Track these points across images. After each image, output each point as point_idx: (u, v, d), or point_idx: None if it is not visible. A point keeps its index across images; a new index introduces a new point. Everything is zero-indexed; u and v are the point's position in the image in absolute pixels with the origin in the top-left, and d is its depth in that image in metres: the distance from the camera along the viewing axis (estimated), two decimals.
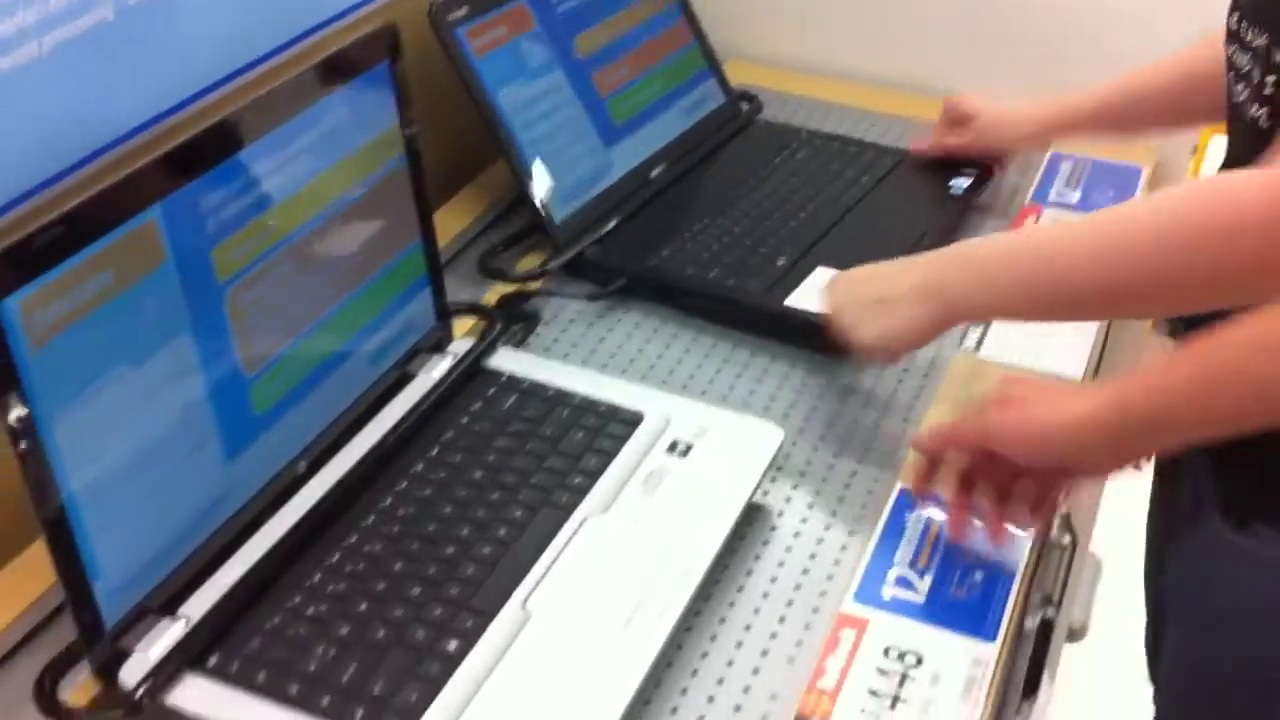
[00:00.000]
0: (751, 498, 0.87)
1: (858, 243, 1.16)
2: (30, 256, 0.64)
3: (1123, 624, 1.46)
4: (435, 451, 0.89)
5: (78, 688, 0.72)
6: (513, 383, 0.95)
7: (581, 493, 0.86)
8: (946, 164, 1.27)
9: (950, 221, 1.21)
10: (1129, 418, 0.77)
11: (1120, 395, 0.78)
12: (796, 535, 0.88)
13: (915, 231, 1.17)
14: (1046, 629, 0.92)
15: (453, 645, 0.74)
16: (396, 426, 0.89)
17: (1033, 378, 0.97)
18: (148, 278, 0.71)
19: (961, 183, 1.25)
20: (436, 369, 0.95)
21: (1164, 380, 0.77)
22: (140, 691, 0.70)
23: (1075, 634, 1.42)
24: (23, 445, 0.65)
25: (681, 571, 0.80)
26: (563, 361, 1.03)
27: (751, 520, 0.89)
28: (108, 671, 0.71)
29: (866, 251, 1.12)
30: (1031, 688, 0.98)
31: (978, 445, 0.84)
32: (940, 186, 1.25)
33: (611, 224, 1.16)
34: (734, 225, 1.18)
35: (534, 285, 1.10)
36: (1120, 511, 1.34)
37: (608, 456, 0.89)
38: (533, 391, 0.95)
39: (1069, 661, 1.22)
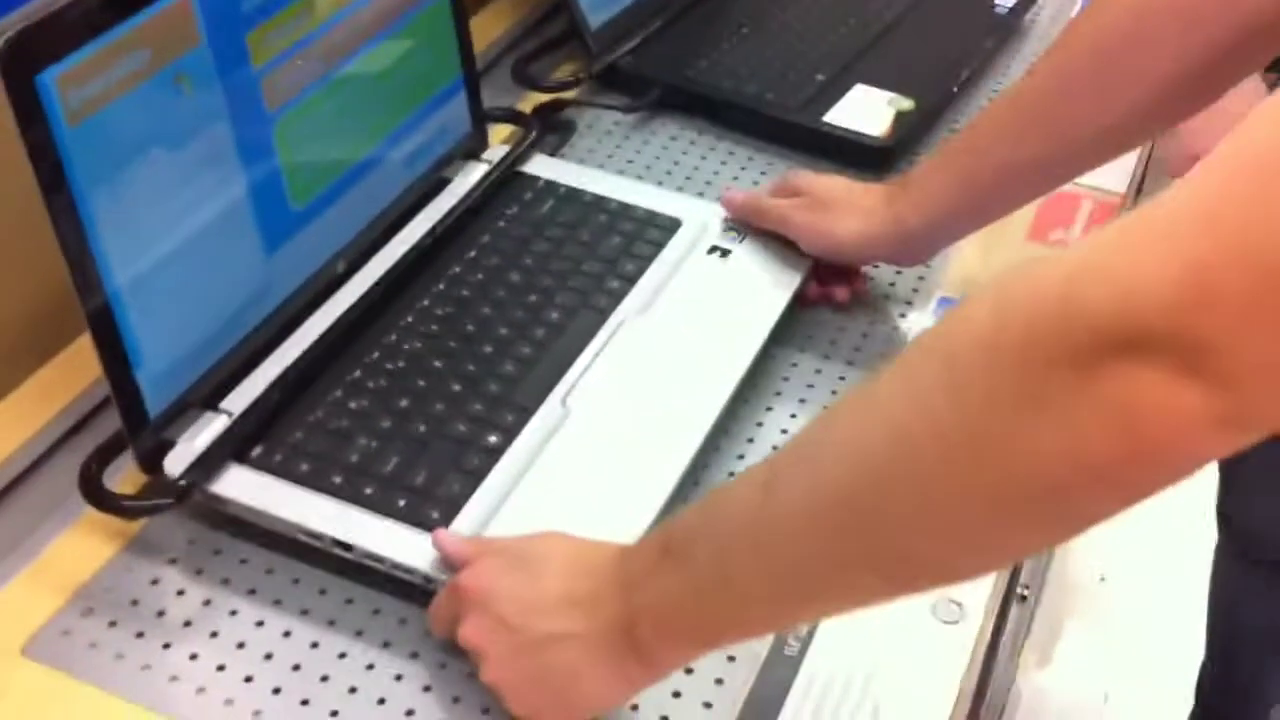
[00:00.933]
0: (791, 301, 0.87)
1: (898, 60, 1.13)
2: (65, 31, 0.63)
3: None
4: (472, 254, 0.88)
5: (121, 480, 0.72)
6: (549, 188, 0.94)
7: (619, 296, 0.85)
8: None
9: (994, 42, 1.18)
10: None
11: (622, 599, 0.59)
12: (833, 341, 0.88)
13: (958, 50, 1.15)
14: None
15: (493, 439, 0.75)
16: (434, 229, 0.88)
17: None
18: (183, 59, 0.69)
19: (1007, 2, 1.22)
20: (472, 174, 0.94)
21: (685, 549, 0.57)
22: (186, 480, 0.70)
23: None
24: (63, 227, 0.64)
25: (721, 371, 0.80)
26: (596, 160, 1.01)
27: (792, 322, 0.88)
28: (152, 461, 0.71)
29: (907, 69, 1.11)
30: None
31: None
32: (986, 5, 1.22)
33: (648, 32, 1.13)
34: (773, 38, 1.15)
35: (569, 95, 1.08)
36: None
37: (645, 261, 0.88)
38: (569, 197, 0.94)
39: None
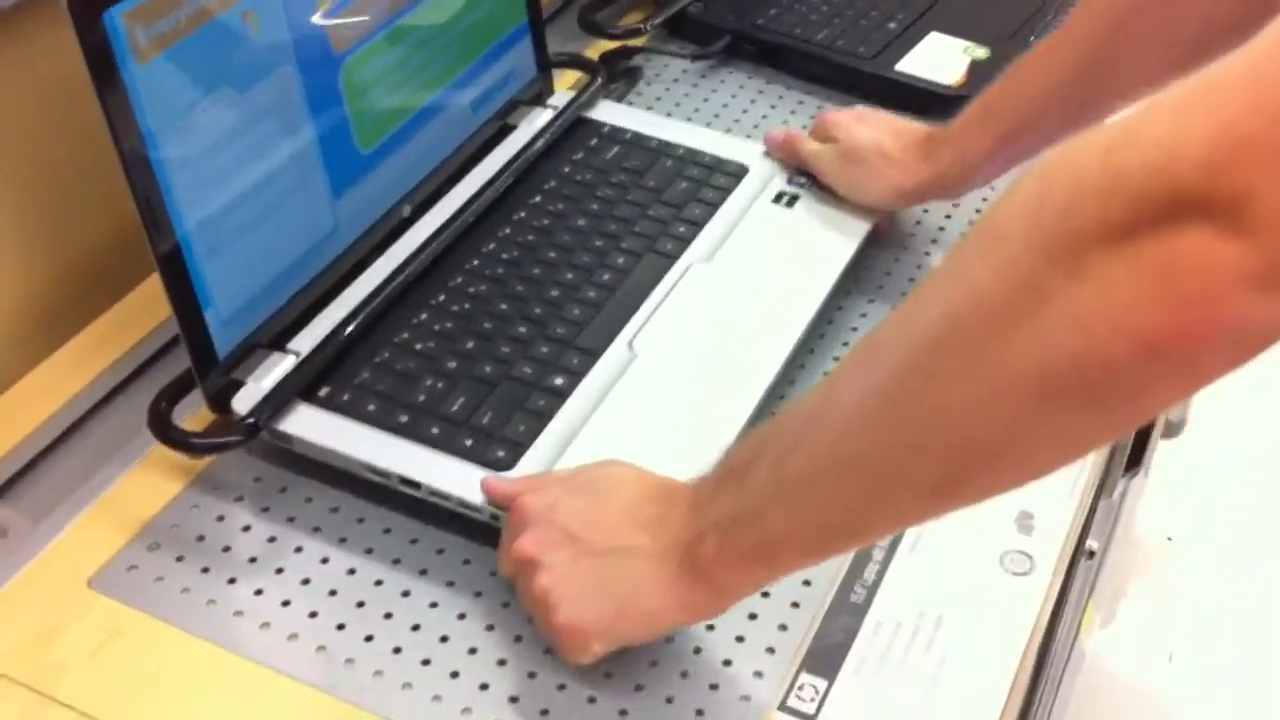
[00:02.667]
0: (859, 248, 0.85)
1: (974, 8, 1.11)
2: None
3: (1219, 425, 1.43)
4: (538, 199, 0.88)
5: (189, 419, 0.73)
6: (615, 134, 0.94)
7: (686, 241, 0.84)
8: None
9: None
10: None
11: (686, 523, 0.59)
12: (904, 293, 0.87)
13: (1038, 2, 1.12)
14: None
15: (559, 380, 0.74)
16: (499, 173, 0.87)
17: None
18: None
19: None
20: (538, 120, 0.93)
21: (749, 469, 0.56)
22: (254, 418, 0.71)
23: (1172, 429, 1.40)
24: (133, 166, 0.64)
25: (790, 313, 0.79)
26: (663, 108, 1.00)
27: (861, 268, 0.87)
28: (220, 401, 0.72)
29: (983, 18, 1.09)
30: (1135, 460, 0.97)
31: None
32: None
33: None
34: None
35: (635, 42, 1.07)
36: None
37: (712, 207, 0.87)
38: (635, 143, 0.93)
39: (1162, 458, 1.21)
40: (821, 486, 0.53)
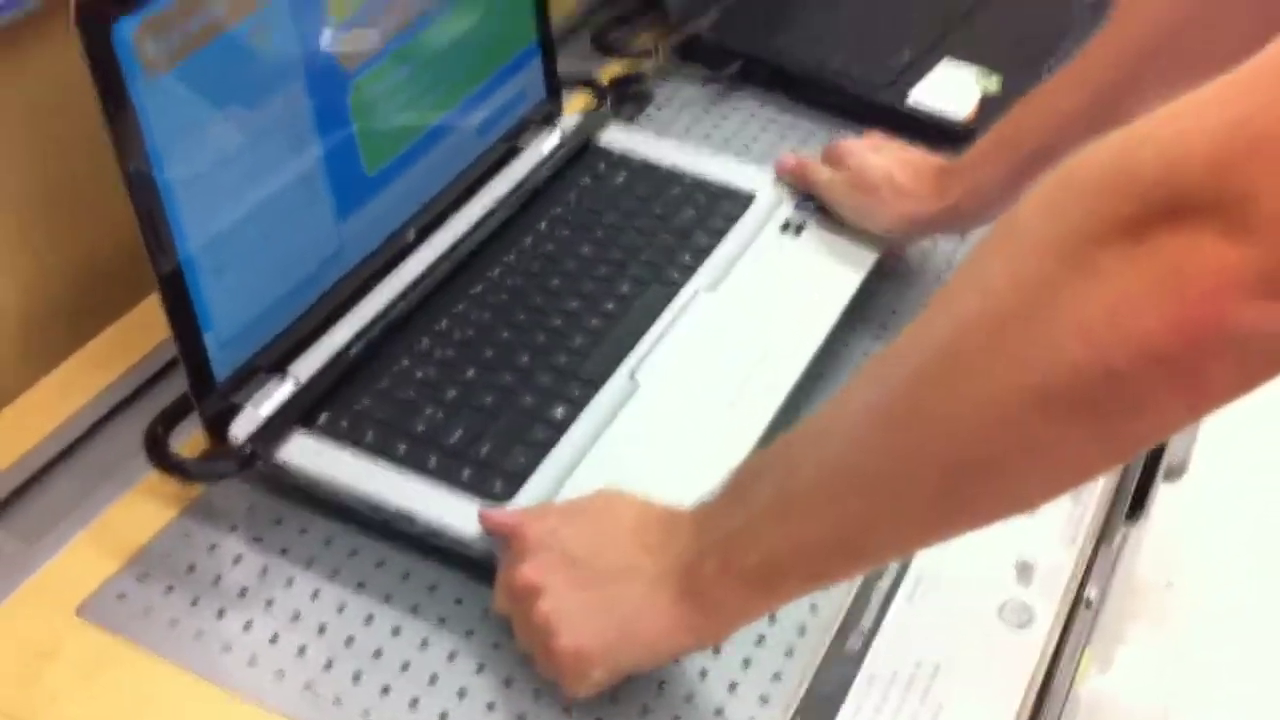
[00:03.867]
0: (865, 279, 0.84)
1: (989, 36, 1.10)
2: None
3: (1221, 468, 1.42)
4: (543, 225, 0.87)
5: (186, 443, 0.72)
6: (623, 159, 0.93)
7: (691, 269, 0.84)
8: None
9: (1090, 22, 1.14)
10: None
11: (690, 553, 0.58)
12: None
13: (1054, 28, 1.11)
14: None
15: (560, 411, 0.73)
16: (505, 198, 0.87)
17: None
18: (259, 13, 0.68)
19: None
20: (546, 143, 0.92)
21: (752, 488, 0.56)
22: (250, 446, 0.70)
23: (1173, 472, 1.39)
24: (136, 183, 0.63)
25: (794, 345, 0.78)
26: (673, 134, 1.00)
27: (865, 303, 0.86)
28: (218, 426, 0.71)
29: (998, 45, 1.08)
30: (1138, 505, 0.96)
31: None
32: None
33: (730, 3, 1.10)
34: (858, 11, 1.13)
35: (647, 64, 1.06)
36: None
37: (718, 234, 0.86)
38: (643, 168, 0.92)
39: (1163, 501, 1.20)
40: (823, 501, 0.52)
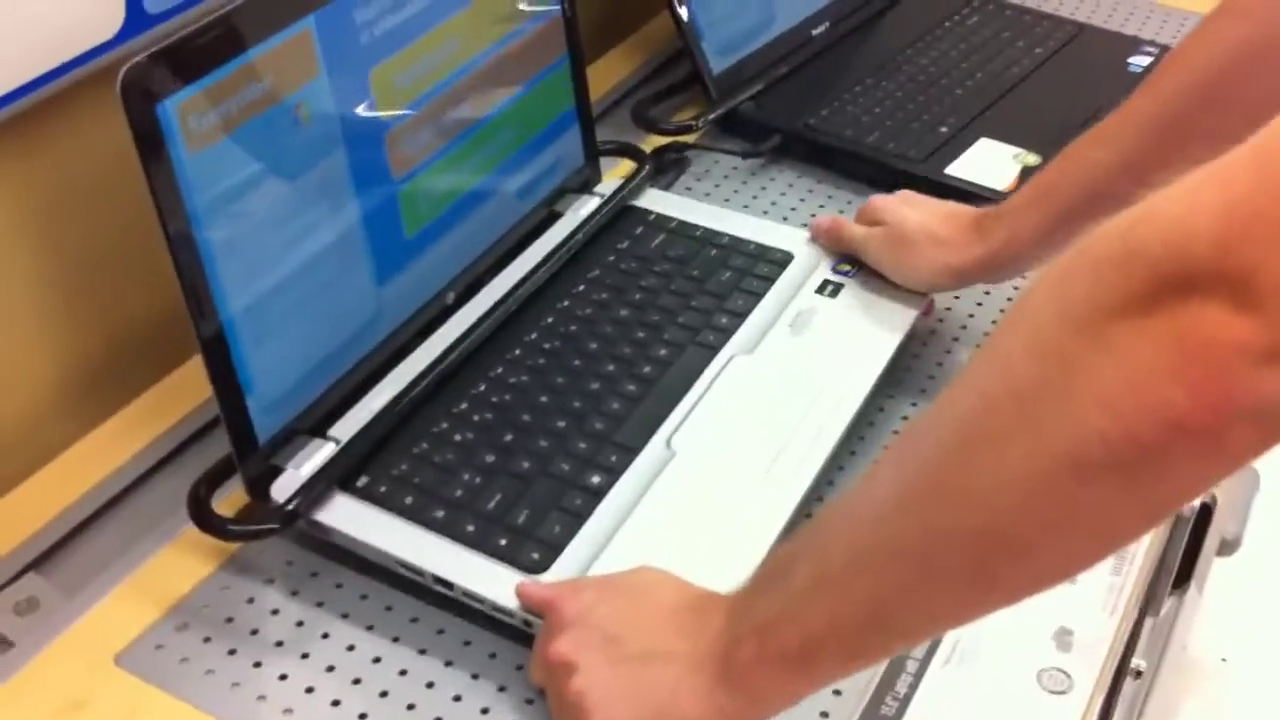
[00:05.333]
0: (903, 341, 0.85)
1: (1026, 116, 1.11)
2: (188, 59, 0.64)
3: (1278, 543, 1.39)
4: (581, 288, 0.88)
5: (226, 499, 0.73)
6: (660, 221, 0.94)
7: (728, 332, 0.84)
8: (1125, 40, 1.21)
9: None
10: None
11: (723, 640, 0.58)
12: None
13: (1089, 108, 1.11)
14: (1206, 514, 0.88)
15: (596, 479, 0.74)
16: (544, 261, 0.88)
17: None
18: (302, 90, 0.70)
19: (1141, 61, 1.19)
20: (584, 208, 0.94)
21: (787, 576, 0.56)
22: (292, 506, 0.71)
23: (1227, 546, 1.37)
24: (180, 251, 0.65)
25: (831, 411, 0.78)
26: (711, 204, 1.01)
27: (904, 362, 0.86)
28: (259, 487, 0.72)
29: (1035, 125, 1.08)
30: (1184, 577, 0.94)
31: None
32: (1119, 63, 1.19)
33: (771, 80, 1.12)
34: (896, 89, 1.14)
35: (687, 138, 1.08)
36: None
37: (756, 296, 0.87)
38: (680, 231, 0.93)
39: (1218, 576, 1.18)
40: (856, 580, 0.52)
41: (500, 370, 0.81)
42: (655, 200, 0.97)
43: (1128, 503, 0.44)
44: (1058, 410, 0.43)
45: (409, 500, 0.72)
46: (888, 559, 0.51)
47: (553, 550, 0.69)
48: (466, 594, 0.68)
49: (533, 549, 0.69)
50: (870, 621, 0.53)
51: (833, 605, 0.53)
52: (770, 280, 0.88)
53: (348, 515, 0.72)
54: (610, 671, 0.60)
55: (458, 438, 0.76)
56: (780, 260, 0.90)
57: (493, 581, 0.68)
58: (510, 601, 0.67)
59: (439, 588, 0.69)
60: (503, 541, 0.70)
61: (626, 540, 0.71)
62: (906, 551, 0.50)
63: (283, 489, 0.72)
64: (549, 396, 0.79)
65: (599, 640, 0.60)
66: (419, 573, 0.69)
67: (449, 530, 0.71)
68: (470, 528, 0.71)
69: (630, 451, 0.75)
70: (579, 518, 0.71)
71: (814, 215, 1.02)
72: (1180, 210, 0.40)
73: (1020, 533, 0.46)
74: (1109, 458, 0.42)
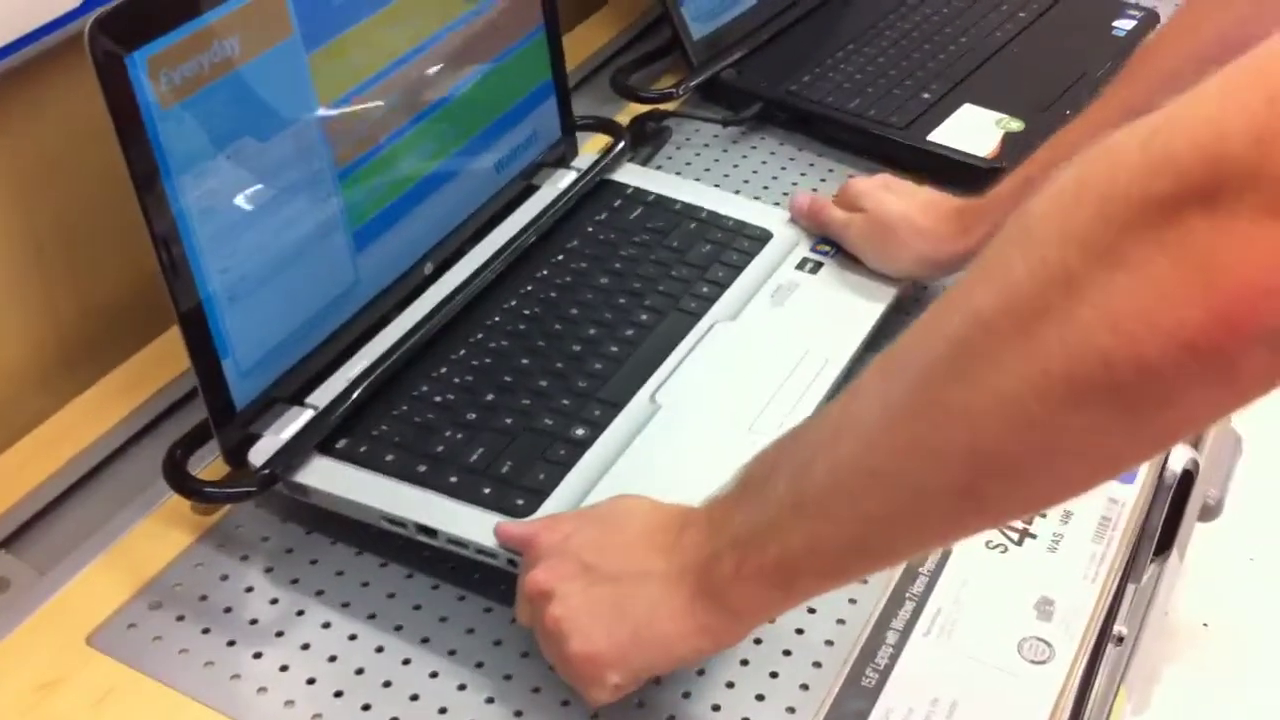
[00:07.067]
0: (891, 305, 0.84)
1: (1010, 81, 1.10)
2: (159, 12, 0.63)
3: (1260, 508, 1.39)
4: (560, 257, 0.87)
5: (202, 472, 0.72)
6: (638, 195, 0.93)
7: (710, 300, 0.84)
8: (1109, 3, 1.20)
9: (1111, 65, 1.14)
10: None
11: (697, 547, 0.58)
12: None
13: (1073, 72, 1.11)
14: (1188, 480, 0.87)
15: (581, 431, 0.73)
16: (522, 232, 0.87)
17: None
18: (274, 49, 0.69)
19: (1125, 24, 1.18)
20: (561, 181, 0.93)
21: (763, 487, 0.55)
22: (270, 469, 0.70)
23: (1209, 512, 1.37)
24: (153, 213, 0.64)
25: (816, 370, 0.78)
26: (692, 172, 1.00)
27: (892, 328, 0.85)
28: (236, 455, 0.71)
29: (1018, 91, 1.08)
30: (1166, 543, 0.94)
31: None
32: (1103, 26, 1.18)
33: (752, 46, 1.11)
34: (878, 55, 1.13)
35: (667, 106, 1.07)
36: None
37: (736, 269, 0.87)
38: (659, 204, 0.92)
39: (1200, 541, 1.18)
40: (841, 499, 0.51)
41: (480, 336, 0.80)
42: (633, 175, 0.96)
43: (1124, 431, 0.42)
44: (1059, 330, 0.40)
45: (390, 458, 0.72)
46: (871, 479, 0.49)
47: (537, 495, 0.69)
48: (450, 539, 0.68)
49: (517, 495, 0.69)
50: (852, 544, 0.52)
51: (813, 526, 0.52)
52: (750, 255, 0.88)
53: (326, 474, 0.71)
54: (587, 596, 0.59)
55: (438, 399, 0.76)
56: (760, 236, 0.90)
57: (476, 526, 0.67)
58: (494, 542, 0.66)
59: (422, 537, 0.68)
60: (486, 490, 0.69)
61: (611, 486, 0.70)
62: (892, 471, 0.48)
63: (260, 453, 0.71)
64: (531, 358, 0.79)
65: (576, 567, 0.60)
66: (401, 524, 0.69)
67: (431, 482, 0.70)
68: (453, 479, 0.70)
69: (614, 406, 0.75)
70: (564, 466, 0.71)
71: (795, 184, 1.01)
72: (1211, 110, 0.37)
73: (1010, 454, 0.44)
74: (1110, 381, 0.40)
